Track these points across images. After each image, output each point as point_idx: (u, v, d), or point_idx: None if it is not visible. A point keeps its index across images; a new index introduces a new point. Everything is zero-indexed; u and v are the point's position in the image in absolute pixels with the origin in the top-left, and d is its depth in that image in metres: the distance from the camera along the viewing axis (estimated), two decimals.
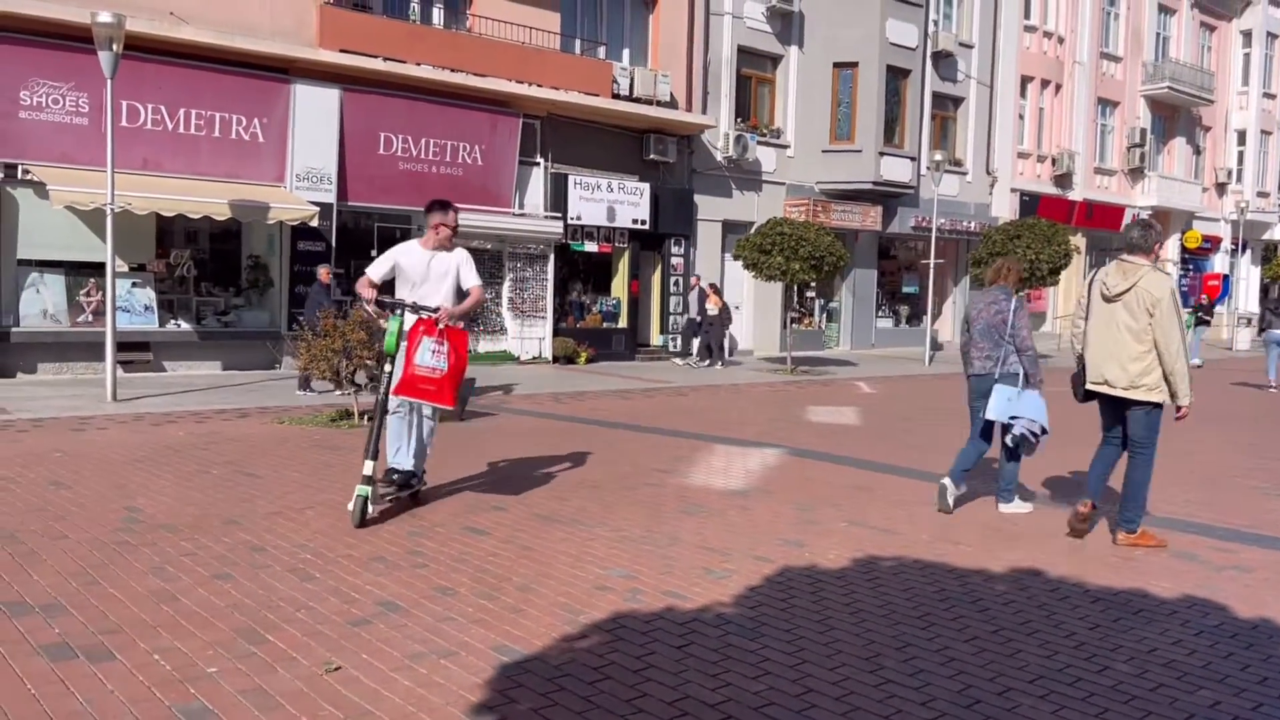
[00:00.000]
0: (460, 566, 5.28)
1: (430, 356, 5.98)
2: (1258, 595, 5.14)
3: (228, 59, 14.97)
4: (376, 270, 6.37)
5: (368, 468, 6.03)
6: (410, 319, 6.16)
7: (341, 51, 15.89)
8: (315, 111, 15.79)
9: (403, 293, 6.42)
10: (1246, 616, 4.79)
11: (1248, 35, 35.93)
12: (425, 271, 6.38)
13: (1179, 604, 4.96)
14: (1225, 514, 7.12)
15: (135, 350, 14.51)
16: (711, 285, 19.84)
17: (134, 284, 14.77)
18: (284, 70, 15.57)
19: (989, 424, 6.81)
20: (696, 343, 19.94)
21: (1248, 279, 38.02)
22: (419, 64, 16.75)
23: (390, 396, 6.14)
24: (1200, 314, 24.33)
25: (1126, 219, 31.63)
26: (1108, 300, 5.96)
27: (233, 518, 6.21)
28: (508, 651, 4.07)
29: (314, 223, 15.20)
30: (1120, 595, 5.06)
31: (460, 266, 6.49)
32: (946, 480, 6.92)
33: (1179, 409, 5.89)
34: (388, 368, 6.10)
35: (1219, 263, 36.13)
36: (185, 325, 15.28)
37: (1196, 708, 3.70)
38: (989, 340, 6.77)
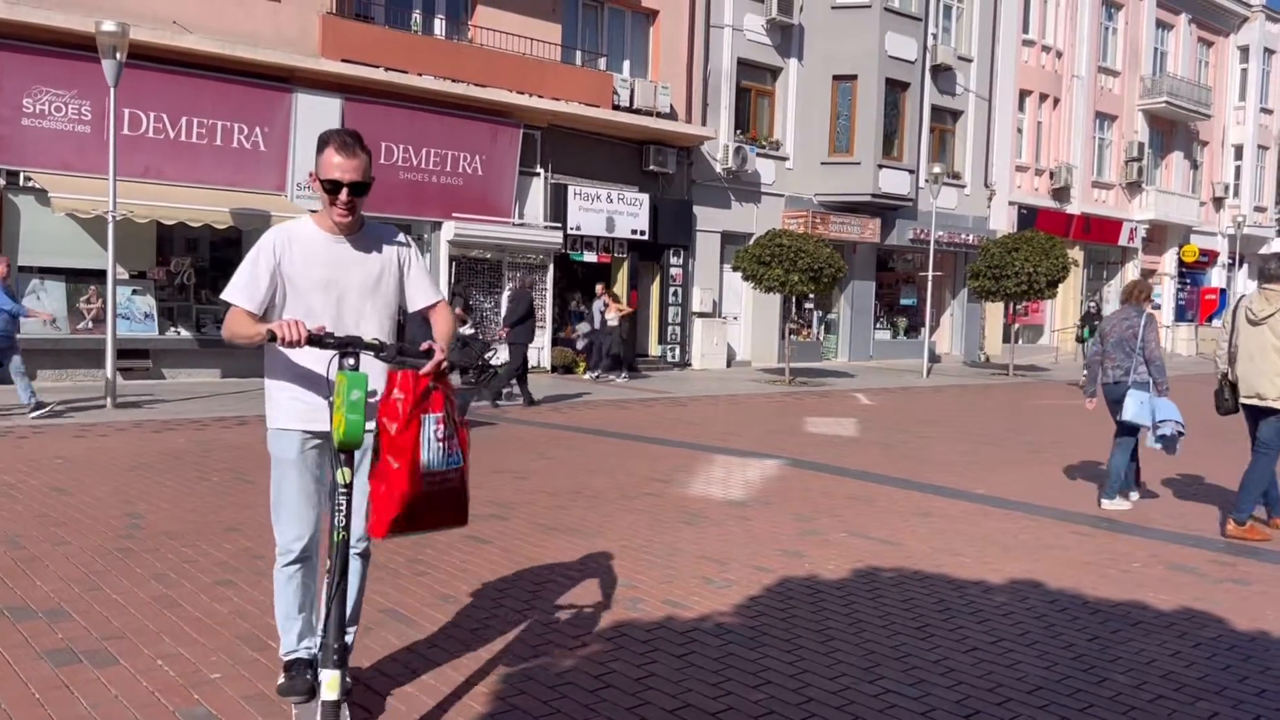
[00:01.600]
0: (461, 575, 5.30)
1: (439, 449, 3.16)
2: (1255, 608, 5.16)
3: (230, 68, 15.03)
4: (245, 292, 3.29)
5: (304, 648, 3.61)
6: (374, 373, 3.27)
7: (343, 61, 15.95)
8: (317, 121, 15.83)
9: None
10: (1244, 629, 4.81)
11: (1245, 51, 36.12)
12: (334, 278, 3.36)
13: (1177, 616, 4.98)
14: (1220, 527, 7.15)
15: (135, 357, 14.53)
16: (611, 293, 18.81)
17: (134, 291, 14.79)
18: (286, 79, 15.63)
19: (1124, 425, 7.52)
20: (591, 351, 18.71)
21: (1245, 293, 38.11)
22: (420, 74, 16.83)
23: (349, 536, 3.16)
24: (1091, 325, 20.30)
25: (1124, 233, 31.75)
26: (1253, 324, 6.78)
27: (233, 525, 6.22)
28: (510, 660, 4.09)
29: None
30: (1119, 607, 5.09)
31: (405, 266, 3.54)
32: (1109, 501, 7.66)
33: None
34: (343, 478, 3.12)
35: (1216, 277, 36.24)
36: (185, 333, 15.30)
37: (1194, 719, 3.72)
38: (1121, 352, 7.52)
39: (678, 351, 21.45)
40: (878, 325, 26.54)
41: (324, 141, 3.24)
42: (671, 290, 21.40)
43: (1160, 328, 7.41)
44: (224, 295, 3.26)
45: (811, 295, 20.79)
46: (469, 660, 4.07)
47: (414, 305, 3.50)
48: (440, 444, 3.10)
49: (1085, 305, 22.34)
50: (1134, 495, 7.97)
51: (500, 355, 15.23)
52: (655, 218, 20.47)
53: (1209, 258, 35.45)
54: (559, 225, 19.00)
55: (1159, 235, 33.71)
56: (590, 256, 19.92)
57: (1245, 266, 37.42)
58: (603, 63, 20.14)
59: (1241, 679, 4.14)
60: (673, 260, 21.35)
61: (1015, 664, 4.23)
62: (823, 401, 16.04)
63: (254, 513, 6.56)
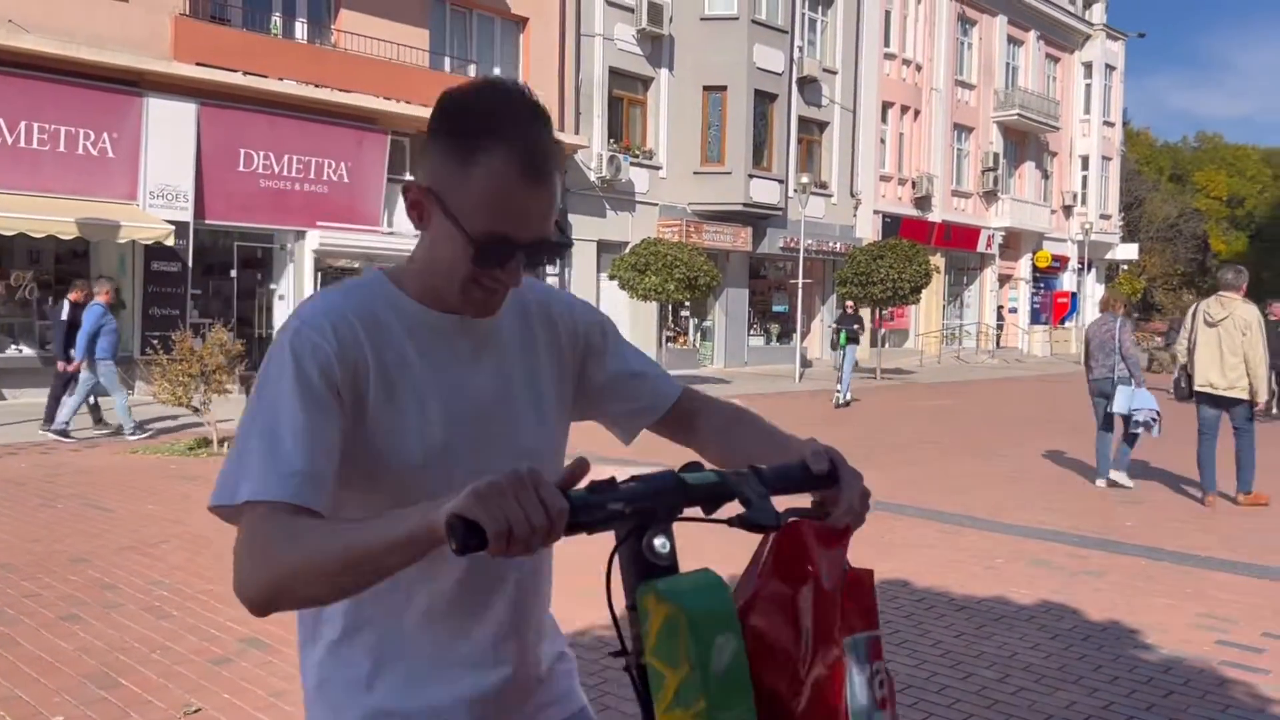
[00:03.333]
0: None
1: (869, 694, 1.21)
2: (1108, 598, 5.39)
3: (74, 70, 14.23)
4: (284, 469, 1.17)
5: None
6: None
7: (198, 65, 15.31)
8: (170, 126, 15.15)
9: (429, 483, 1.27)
10: (1098, 619, 5.02)
11: (1088, 67, 38.19)
12: (473, 394, 1.36)
13: (1037, 609, 5.16)
14: (1076, 520, 7.47)
15: None
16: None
17: None
18: (135, 83, 14.90)
19: (1109, 416, 8.78)
20: None
21: (1094, 296, 40.26)
22: (281, 79, 16.29)
23: None
24: (847, 329, 17.51)
25: (982, 239, 33.12)
26: (1210, 325, 7.97)
27: (81, 555, 5.85)
28: None
29: (169, 242, 14.56)
30: (984, 603, 5.24)
31: (588, 337, 1.53)
32: (1103, 481, 8.86)
33: (1255, 404, 7.94)
34: None
35: (1067, 281, 38.13)
36: (28, 350, 14.40)
37: (1054, 709, 3.84)
38: (1103, 353, 8.80)
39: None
40: (751, 332, 26.97)
41: (483, 127, 1.22)
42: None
43: (1133, 331, 9.18)
44: (231, 496, 1.19)
45: (687, 303, 20.98)
46: None
47: (641, 415, 1.61)
48: (871, 687, 1.25)
49: (839, 309, 19.51)
50: (1121, 474, 9.04)
51: None
52: None
53: (1061, 263, 37.28)
54: None
55: (1014, 242, 35.27)
56: None
57: (1093, 270, 39.49)
58: (472, 69, 19.91)
59: (1096, 667, 4.31)
60: (548, 269, 21.24)
61: (887, 664, 4.29)
62: None
63: (103, 541, 6.19)
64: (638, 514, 1.13)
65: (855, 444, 11.67)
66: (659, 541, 1.14)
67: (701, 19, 23.68)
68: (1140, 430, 8.57)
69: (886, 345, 28.72)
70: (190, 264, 15.47)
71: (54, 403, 10.93)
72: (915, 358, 30.22)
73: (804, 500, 1.31)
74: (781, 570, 1.26)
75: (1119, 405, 8.60)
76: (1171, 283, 49.06)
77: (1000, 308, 35.42)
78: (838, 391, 16.77)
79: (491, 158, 1.20)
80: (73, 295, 11.36)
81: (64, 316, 11.14)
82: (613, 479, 1.14)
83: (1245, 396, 7.89)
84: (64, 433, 10.65)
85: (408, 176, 18.49)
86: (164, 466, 9.12)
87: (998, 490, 8.71)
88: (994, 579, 5.73)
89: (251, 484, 1.16)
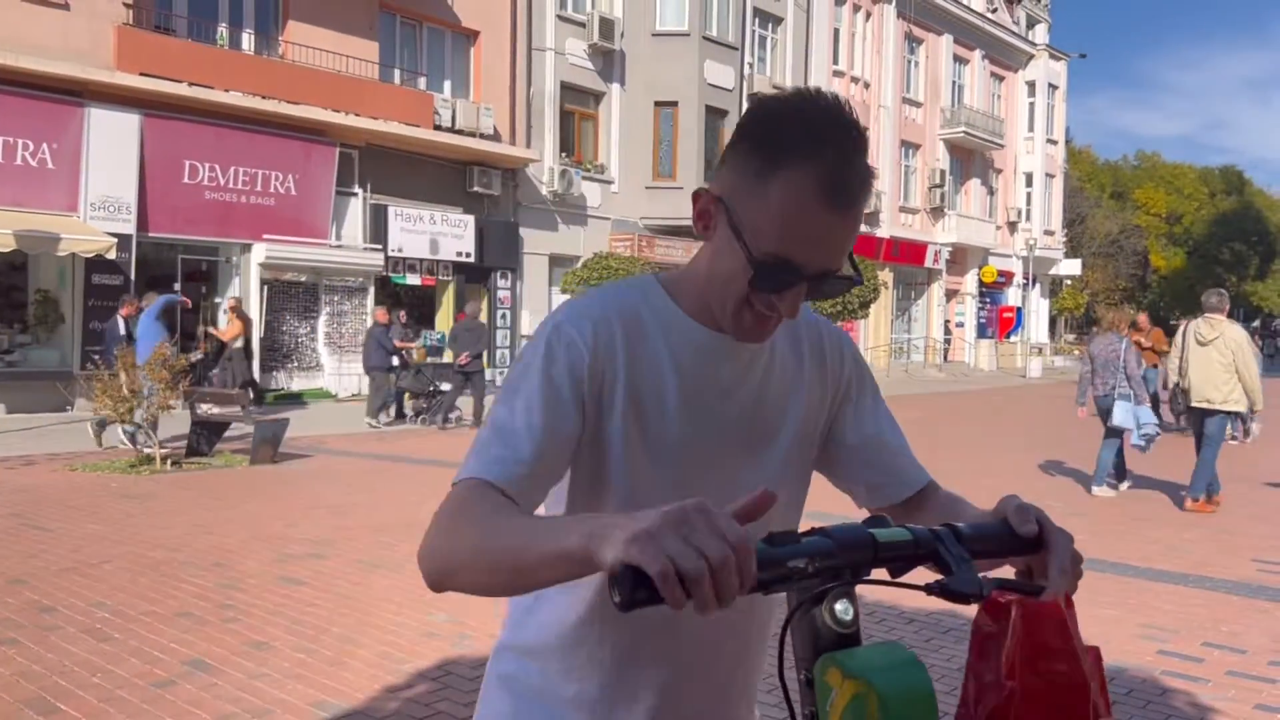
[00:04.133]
0: (275, 619, 5.01)
1: None
2: None
3: (12, 79, 13.93)
4: (506, 450, 1.14)
5: None
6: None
7: (141, 75, 15.07)
8: (112, 137, 14.88)
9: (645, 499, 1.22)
10: None
11: (1031, 86, 38.97)
12: (733, 419, 1.29)
13: None
14: None
15: None
16: (233, 305, 15.71)
17: None
18: (77, 93, 14.62)
19: (1112, 430, 9.12)
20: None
21: (1038, 311, 41.00)
22: (227, 90, 16.09)
23: None
24: None
25: (929, 255, 33.61)
26: (1201, 345, 8.50)
27: (18, 576, 5.69)
28: (328, 707, 3.88)
29: (111, 255, 14.28)
30: (932, 616, 5.30)
31: (848, 386, 1.41)
32: (1099, 488, 9.19)
33: (1254, 412, 8.64)
34: None
35: (1013, 296, 38.79)
36: None
37: None
38: (1108, 371, 9.26)
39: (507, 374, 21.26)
40: None
41: (792, 141, 1.10)
42: (500, 313, 21.19)
43: (1136, 351, 9.63)
44: (457, 474, 1.15)
45: None
46: (281, 711, 3.83)
47: (878, 493, 1.38)
48: None
49: None
50: (1123, 485, 9.55)
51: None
52: (481, 240, 20.24)
53: (1006, 278, 37.92)
54: (379, 247, 18.51)
55: (961, 257, 35.83)
56: (414, 279, 19.50)
57: (1038, 285, 40.23)
58: (423, 82, 19.81)
59: None
60: (500, 283, 21.15)
61: None
62: None
63: (41, 562, 6.03)
64: (822, 573, 0.97)
65: None
66: (841, 606, 1.00)
67: (653, 34, 23.81)
68: (1143, 444, 9.03)
69: None
70: (133, 277, 15.18)
71: None
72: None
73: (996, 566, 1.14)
74: (1035, 657, 1.11)
75: (1118, 419, 9.03)
76: (1113, 297, 50.11)
77: (947, 322, 35.93)
78: None
79: (794, 174, 1.08)
80: (124, 310, 12.56)
81: (121, 331, 12.17)
82: (793, 530, 0.99)
83: (1240, 409, 8.53)
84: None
85: (356, 189, 18.33)
86: (105, 484, 8.92)
87: None
88: None
89: (474, 463, 1.12)
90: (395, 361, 14.59)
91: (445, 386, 15.05)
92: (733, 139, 1.16)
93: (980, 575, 1.04)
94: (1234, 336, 8.48)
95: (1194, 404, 8.62)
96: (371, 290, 18.59)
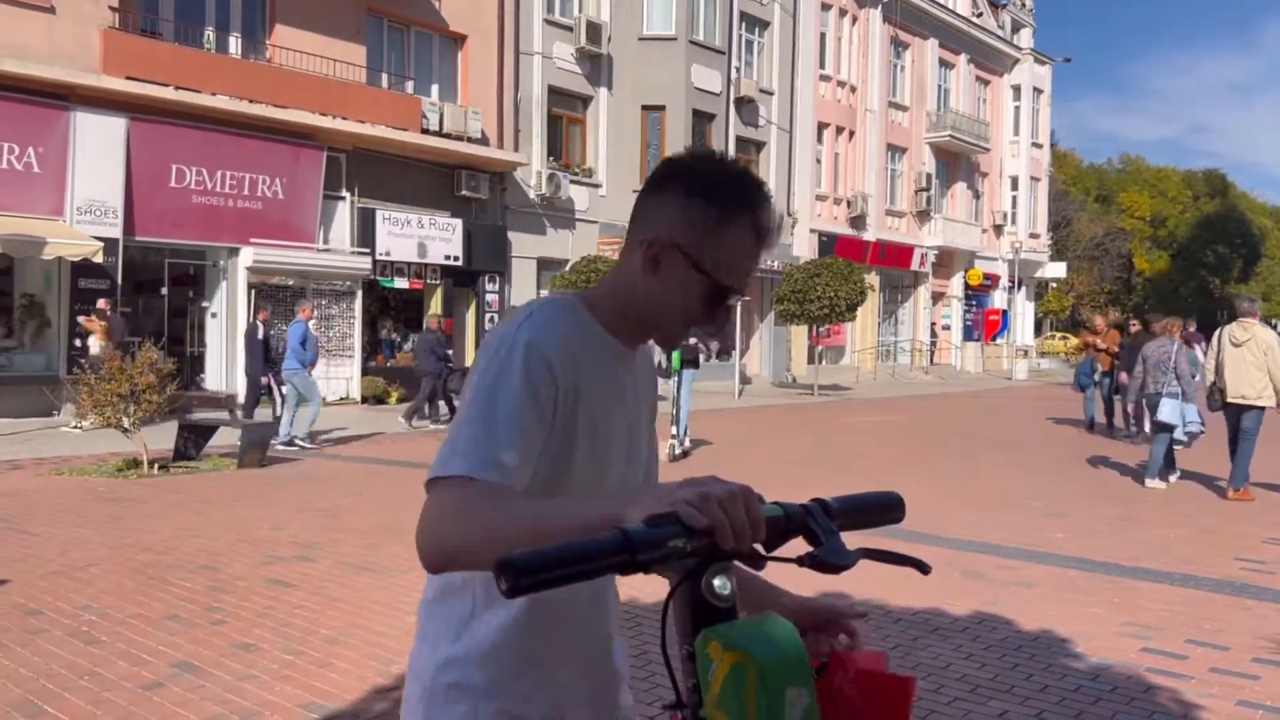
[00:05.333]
0: (263, 621, 5.01)
1: None
2: (1038, 608, 5.52)
3: None
4: (492, 449, 1.29)
5: None
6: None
7: (128, 79, 15.03)
8: (99, 141, 14.84)
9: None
10: (1029, 629, 5.13)
11: (1017, 90, 39.17)
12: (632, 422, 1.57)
13: (970, 620, 5.27)
14: (1008, 534, 7.63)
15: None
16: (98, 313, 14.00)
17: None
18: (63, 96, 14.57)
19: (1162, 426, 9.84)
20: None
21: (1024, 314, 41.20)
22: (214, 93, 16.05)
23: None
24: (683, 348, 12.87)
25: (915, 258, 33.74)
26: (1235, 346, 9.29)
27: (3, 579, 5.67)
28: (316, 708, 3.89)
29: (98, 258, 14.23)
30: (919, 615, 5.33)
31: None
32: (1152, 481, 9.88)
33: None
34: None
35: (999, 298, 38.97)
36: None
37: (987, 717, 3.92)
38: (1160, 371, 10.03)
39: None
40: None
41: (736, 201, 1.42)
42: (488, 316, 21.19)
43: (1188, 352, 10.42)
44: (442, 470, 1.29)
45: None
46: (270, 712, 3.84)
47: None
48: None
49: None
50: (1172, 478, 10.15)
51: None
52: (469, 243, 20.23)
53: (992, 281, 38.10)
54: (367, 251, 18.50)
55: (946, 260, 35.97)
56: (402, 283, 19.48)
57: (1023, 288, 40.42)
58: (410, 86, 19.81)
59: (1028, 676, 4.41)
60: (488, 286, 21.15)
61: None
62: None
63: (27, 565, 6.01)
64: (699, 552, 1.02)
65: (793, 460, 11.79)
66: (719, 582, 1.05)
67: (640, 38, 23.86)
68: (1185, 440, 9.83)
69: (823, 362, 29.07)
70: (119, 281, 15.13)
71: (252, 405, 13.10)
72: (852, 374, 30.62)
73: (873, 538, 1.26)
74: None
75: (1165, 415, 9.79)
76: (1098, 300, 50.40)
77: (934, 325, 36.07)
78: (673, 438, 11.78)
79: (740, 223, 1.40)
80: (261, 315, 13.35)
81: (260, 336, 12.81)
82: (672, 513, 1.03)
83: (1271, 404, 9.25)
84: (291, 443, 11.79)
85: (343, 193, 18.34)
86: (91, 488, 8.89)
87: (932, 504, 8.86)
88: (929, 590, 5.83)
89: (462, 461, 1.27)
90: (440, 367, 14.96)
91: None
92: (676, 196, 1.41)
93: (851, 549, 1.13)
94: (1265, 338, 9.26)
95: (1230, 400, 9.38)
96: (359, 294, 18.57)
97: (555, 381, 1.36)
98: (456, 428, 1.31)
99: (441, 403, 15.39)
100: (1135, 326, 15.07)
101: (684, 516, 0.99)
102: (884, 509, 1.23)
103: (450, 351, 15.42)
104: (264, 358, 12.99)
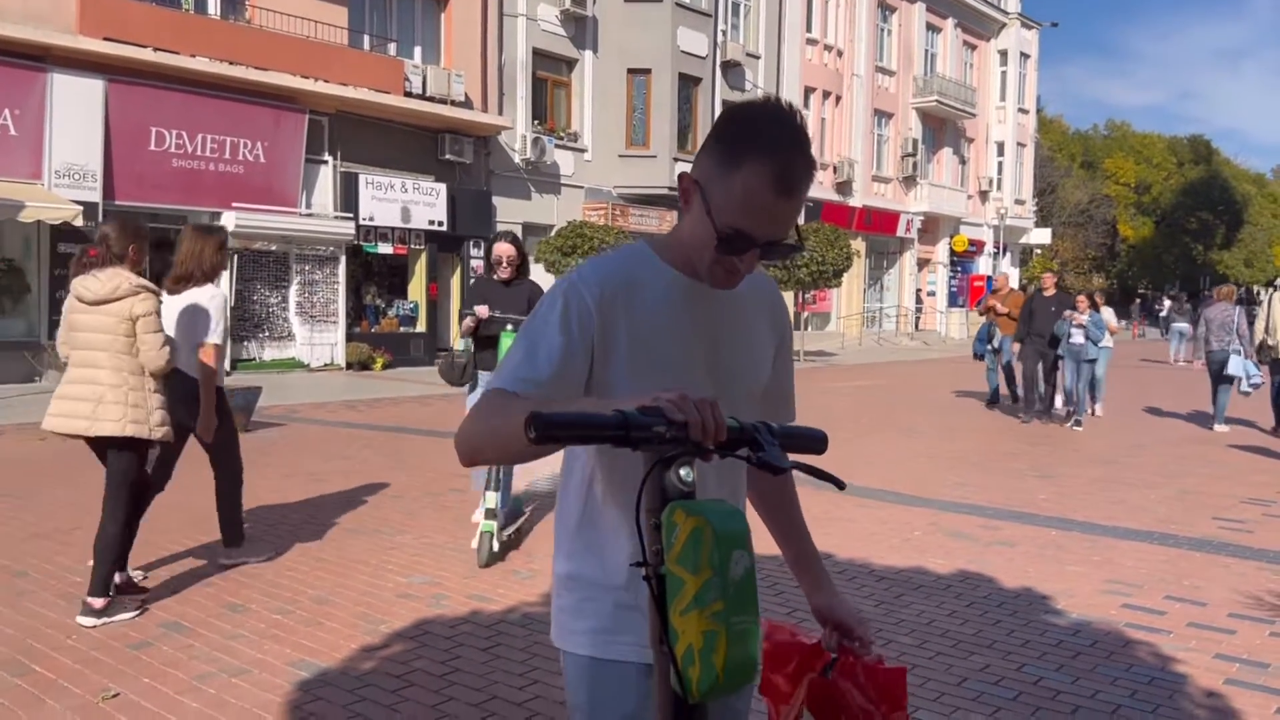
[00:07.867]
0: (252, 582, 5.03)
1: None
2: (1020, 567, 5.58)
3: None
4: (530, 369, 1.55)
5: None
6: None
7: (105, 40, 14.81)
8: (76, 103, 14.64)
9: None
10: (1011, 586, 5.19)
11: (1004, 54, 39.03)
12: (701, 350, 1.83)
13: (953, 578, 5.32)
14: (990, 494, 7.70)
15: None
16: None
17: None
18: (39, 58, 14.35)
19: (1225, 377, 11.49)
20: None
21: (1010, 280, 41.26)
22: (194, 55, 15.84)
23: None
24: None
25: (901, 224, 33.75)
26: None
27: None
28: (306, 666, 3.91)
29: (77, 222, 14.08)
30: (902, 573, 5.39)
31: (780, 355, 1.90)
32: (1220, 426, 11.64)
33: None
34: None
35: (984, 264, 39.06)
36: None
37: (970, 672, 3.98)
38: (1224, 331, 11.54)
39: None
40: None
41: (750, 142, 1.47)
42: (473, 281, 21.08)
43: (1246, 314, 11.80)
44: (486, 387, 1.54)
45: None
46: (259, 670, 3.86)
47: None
48: None
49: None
50: (1224, 428, 11.61)
51: None
52: (453, 208, 20.11)
53: (977, 247, 38.16)
54: (350, 215, 18.36)
55: (932, 226, 35.99)
56: (386, 248, 19.36)
57: (1008, 254, 40.49)
58: (393, 48, 19.58)
59: (1009, 632, 4.47)
60: (473, 252, 21.05)
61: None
62: None
63: (10, 528, 6.00)
64: (675, 440, 1.28)
65: None
66: (684, 471, 1.31)
67: (625, 1, 23.63)
68: (1249, 390, 11.31)
69: (809, 328, 29.13)
70: None
71: None
72: (837, 340, 30.70)
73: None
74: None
75: (1233, 369, 11.27)
76: (1083, 266, 50.55)
77: (919, 291, 36.14)
78: None
79: (755, 168, 1.44)
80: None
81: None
82: (657, 406, 1.28)
83: None
84: None
85: (326, 157, 18.19)
86: (76, 453, 8.85)
87: (917, 466, 8.93)
88: (912, 550, 5.89)
89: (498, 378, 1.52)
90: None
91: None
92: (709, 136, 1.52)
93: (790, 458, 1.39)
94: None
95: (1278, 356, 11.15)
96: (343, 259, 18.45)
97: (591, 311, 1.54)
98: (508, 354, 1.55)
99: None
100: (1048, 285, 12.87)
101: (666, 409, 1.26)
102: (812, 440, 1.50)
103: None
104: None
